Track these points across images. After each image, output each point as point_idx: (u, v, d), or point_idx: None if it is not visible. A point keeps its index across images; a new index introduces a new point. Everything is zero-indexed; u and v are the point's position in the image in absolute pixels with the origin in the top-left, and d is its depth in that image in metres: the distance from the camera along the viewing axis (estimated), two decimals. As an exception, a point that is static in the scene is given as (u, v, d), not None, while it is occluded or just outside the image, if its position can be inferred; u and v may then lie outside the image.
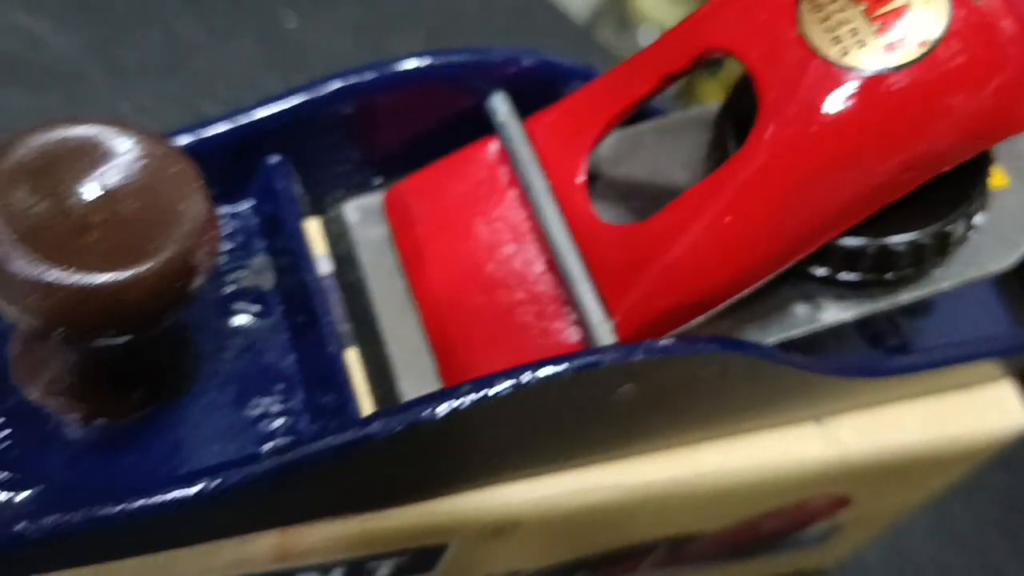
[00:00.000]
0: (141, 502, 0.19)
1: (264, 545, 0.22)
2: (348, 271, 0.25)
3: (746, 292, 0.22)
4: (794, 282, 0.24)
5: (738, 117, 0.23)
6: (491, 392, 0.20)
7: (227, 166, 0.24)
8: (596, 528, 0.26)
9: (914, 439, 0.28)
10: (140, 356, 0.21)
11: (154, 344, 0.21)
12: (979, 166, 0.24)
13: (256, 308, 0.24)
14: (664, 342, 0.21)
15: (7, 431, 0.21)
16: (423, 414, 0.20)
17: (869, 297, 0.24)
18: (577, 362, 0.20)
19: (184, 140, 0.23)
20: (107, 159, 0.18)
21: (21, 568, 0.20)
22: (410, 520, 0.23)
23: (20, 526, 0.19)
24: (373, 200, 0.26)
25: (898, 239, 0.23)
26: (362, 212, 0.26)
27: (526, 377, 0.20)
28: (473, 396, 0.20)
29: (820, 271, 0.24)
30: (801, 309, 0.24)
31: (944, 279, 0.25)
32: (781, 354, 0.23)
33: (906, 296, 0.25)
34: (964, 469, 0.31)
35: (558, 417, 0.22)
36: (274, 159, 0.24)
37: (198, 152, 0.21)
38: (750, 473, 0.26)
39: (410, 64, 0.24)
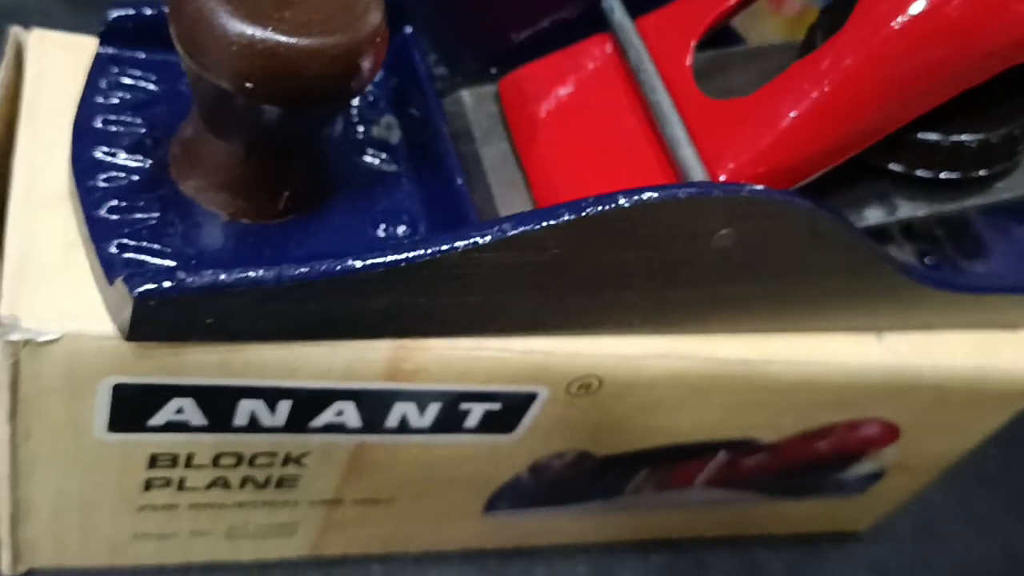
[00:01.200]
0: (292, 271, 0.21)
1: (379, 354, 0.24)
2: (463, 144, 0.28)
3: (832, 167, 0.25)
4: (871, 180, 0.27)
5: (830, 26, 0.26)
6: (611, 205, 0.22)
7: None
8: (670, 406, 0.28)
9: (962, 365, 0.30)
10: (289, 163, 0.23)
11: (301, 156, 0.23)
12: None
13: (383, 156, 0.26)
14: (765, 187, 0.23)
15: (159, 213, 0.23)
16: (530, 225, 0.22)
17: (939, 199, 0.27)
18: (687, 190, 0.22)
19: None
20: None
21: (160, 331, 0.21)
22: (510, 355, 0.25)
23: (179, 276, 0.20)
24: (488, 89, 0.29)
25: (970, 136, 0.25)
26: (477, 97, 0.28)
27: (647, 195, 0.22)
28: (595, 208, 0.22)
29: (897, 167, 0.26)
30: (877, 204, 0.27)
31: (1007, 190, 0.27)
32: (862, 233, 0.26)
33: (972, 201, 0.27)
34: (1002, 415, 0.33)
35: (654, 258, 0.24)
36: (408, 29, 0.27)
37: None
38: (814, 368, 0.28)
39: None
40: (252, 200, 0.23)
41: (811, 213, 0.24)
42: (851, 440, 0.32)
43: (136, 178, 0.23)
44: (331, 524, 0.30)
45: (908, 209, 0.27)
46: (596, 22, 0.28)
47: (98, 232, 0.22)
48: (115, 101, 0.24)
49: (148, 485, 0.26)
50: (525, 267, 0.23)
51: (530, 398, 0.26)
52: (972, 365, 0.30)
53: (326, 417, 0.25)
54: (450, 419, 0.26)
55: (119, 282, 0.21)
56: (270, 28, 0.19)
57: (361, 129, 0.26)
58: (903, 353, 0.30)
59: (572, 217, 0.22)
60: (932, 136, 0.25)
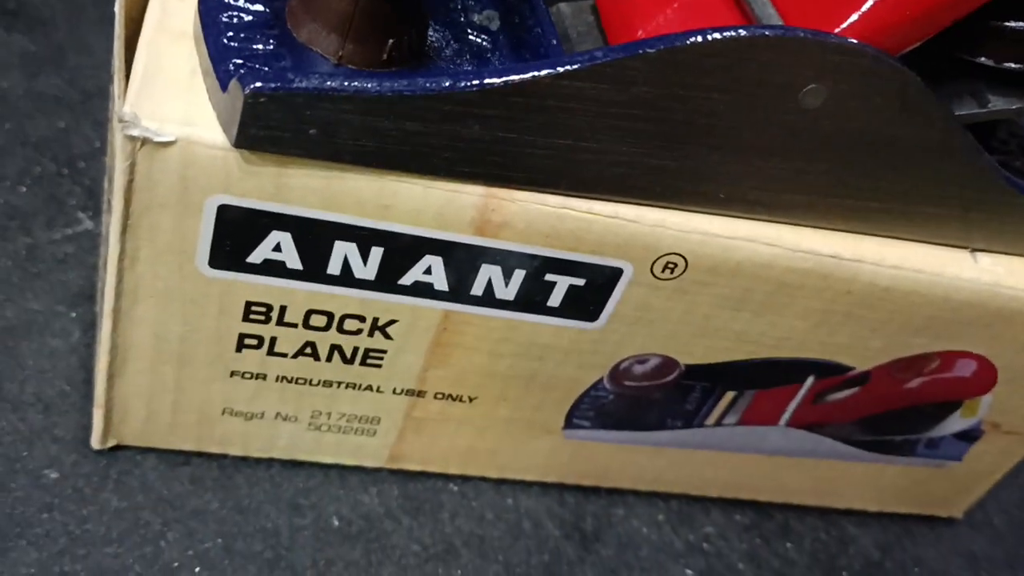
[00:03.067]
0: (392, 83, 0.22)
1: (469, 200, 0.24)
2: (562, 43, 0.29)
3: (918, 44, 0.25)
4: (964, 78, 0.27)
5: None
6: (699, 39, 0.23)
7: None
8: (756, 303, 0.28)
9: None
10: (394, 10, 0.24)
11: (406, 4, 0.25)
12: None
13: (484, 37, 0.27)
14: (854, 40, 0.24)
15: (273, 47, 0.24)
16: (620, 54, 0.23)
17: (1032, 94, 0.27)
18: (775, 30, 0.23)
19: None
20: None
21: (267, 138, 0.22)
22: (595, 218, 0.25)
23: (288, 76, 0.22)
24: (586, 3, 0.30)
25: (1062, 24, 0.26)
26: (576, 9, 0.30)
27: (735, 32, 0.23)
28: (683, 40, 0.23)
29: (987, 61, 0.26)
30: (970, 99, 0.27)
31: (1098, 92, 0.27)
32: (954, 117, 0.26)
33: (1066, 98, 0.27)
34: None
35: (741, 108, 0.24)
36: (513, -65, 0.29)
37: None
38: (906, 276, 0.28)
39: None
40: (359, 45, 0.24)
41: (901, 74, 0.24)
42: (946, 383, 0.31)
43: (255, 20, 0.25)
44: (411, 423, 0.30)
45: (1001, 103, 0.27)
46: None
47: (217, 53, 0.23)
48: (242, -34, 0.26)
49: (241, 344, 0.27)
50: (613, 106, 0.23)
51: (615, 276, 0.27)
52: (1072, 297, 0.30)
53: (415, 274, 0.26)
54: (534, 292, 0.27)
55: (233, 84, 0.22)
56: None
57: (463, 17, 0.28)
58: (999, 274, 0.29)
59: (662, 47, 0.23)
60: (1016, 24, 0.26)
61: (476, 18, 0.28)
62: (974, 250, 0.29)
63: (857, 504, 0.36)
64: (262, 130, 0.22)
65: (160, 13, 0.25)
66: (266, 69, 0.23)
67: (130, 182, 0.23)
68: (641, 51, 0.23)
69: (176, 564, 0.28)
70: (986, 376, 0.32)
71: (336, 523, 0.30)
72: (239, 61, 0.23)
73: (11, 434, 0.29)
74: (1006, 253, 0.30)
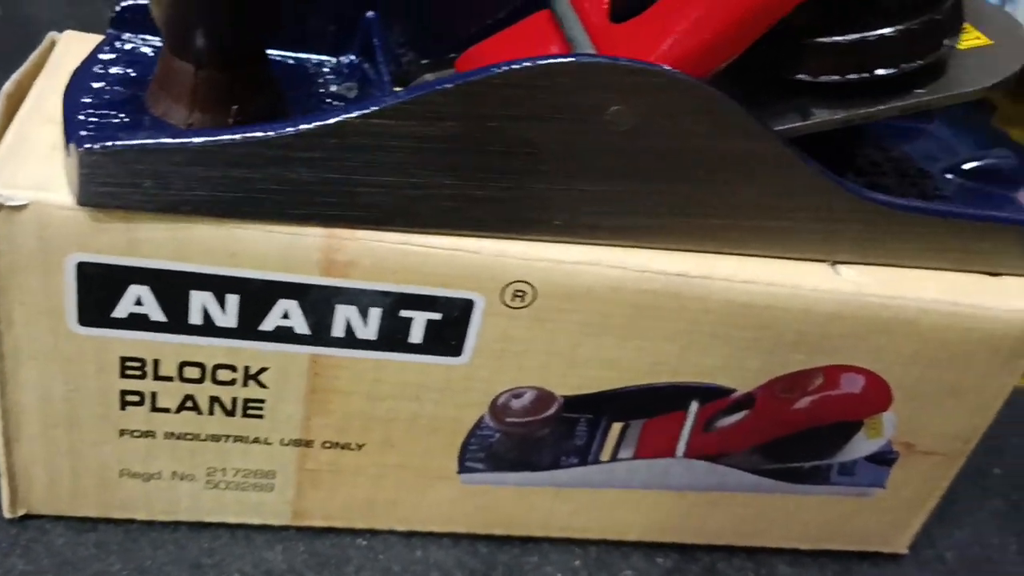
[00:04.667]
0: (213, 135, 0.24)
1: (311, 241, 0.26)
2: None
3: (726, 64, 0.27)
4: (788, 96, 0.28)
5: None
6: (494, 71, 0.24)
7: (337, 14, 0.31)
8: (617, 328, 0.28)
9: (934, 299, 0.30)
10: (234, 79, 0.27)
11: (244, 73, 0.27)
12: None
13: (339, 103, 0.30)
14: (653, 63, 0.25)
15: (127, 119, 0.27)
16: (422, 91, 0.25)
17: (856, 103, 0.28)
18: (566, 59, 0.25)
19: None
20: None
21: (107, 193, 0.24)
22: (436, 252, 0.27)
23: (117, 135, 0.24)
24: (448, 72, 0.32)
25: (870, 33, 0.27)
26: (437, 76, 0.32)
27: (529, 63, 0.24)
28: (477, 75, 0.24)
29: (805, 76, 0.28)
30: (794, 114, 0.28)
31: (928, 94, 0.28)
32: (767, 126, 0.27)
33: (891, 104, 0.28)
34: (1005, 374, 0.31)
35: (552, 132, 0.25)
36: (371, 14, 0.31)
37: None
38: (762, 290, 0.28)
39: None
40: (205, 113, 0.27)
41: (701, 90, 0.26)
42: (836, 400, 0.31)
43: (115, 100, 0.27)
44: (306, 475, 0.31)
45: (824, 114, 0.28)
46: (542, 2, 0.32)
47: (72, 126, 0.26)
48: (112, 57, 0.29)
49: (124, 401, 0.29)
50: (428, 141, 0.25)
51: (467, 307, 0.28)
52: (945, 300, 0.30)
53: (274, 319, 0.27)
54: (394, 329, 0.28)
55: (72, 146, 0.24)
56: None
57: (322, 90, 0.30)
58: (862, 283, 0.29)
59: (459, 82, 0.25)
60: (826, 39, 0.27)
61: (334, 88, 0.30)
62: (836, 263, 0.30)
63: (785, 543, 0.36)
64: (101, 186, 0.25)
65: (35, 102, 0.28)
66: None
67: (-8, 245, 0.26)
68: (440, 87, 0.25)
69: (74, 622, 0.29)
70: (878, 392, 0.32)
71: (238, 580, 0.31)
72: (92, 132, 0.26)
73: (-71, 510, 0.31)
74: (871, 263, 0.30)
